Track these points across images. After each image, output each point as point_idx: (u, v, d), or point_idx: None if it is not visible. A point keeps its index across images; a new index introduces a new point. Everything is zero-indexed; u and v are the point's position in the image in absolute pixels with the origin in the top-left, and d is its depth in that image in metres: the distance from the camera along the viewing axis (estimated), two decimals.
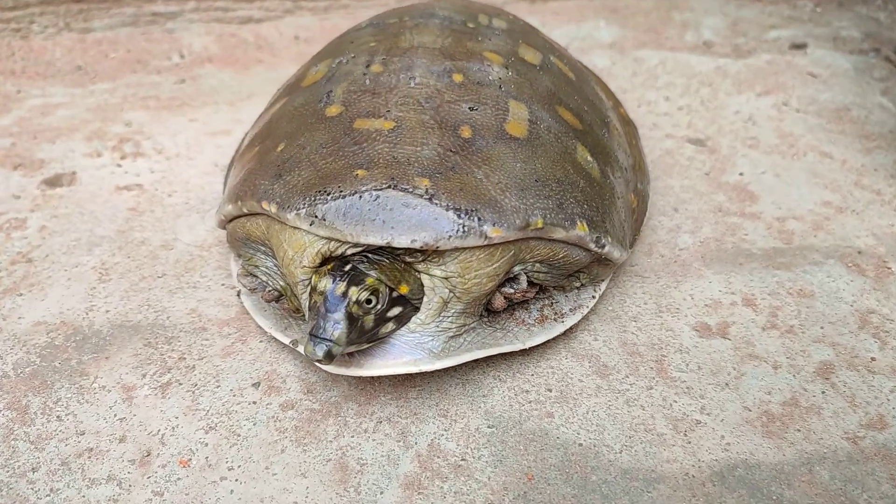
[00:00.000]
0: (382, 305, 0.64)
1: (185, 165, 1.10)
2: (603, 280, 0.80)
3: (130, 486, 0.65)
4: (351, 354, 0.67)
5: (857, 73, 1.33)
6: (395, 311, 0.66)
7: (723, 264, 0.89)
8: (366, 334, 0.64)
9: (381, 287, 0.64)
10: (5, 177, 1.06)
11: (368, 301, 0.63)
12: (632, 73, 1.31)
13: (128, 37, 1.48)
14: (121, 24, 1.51)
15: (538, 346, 0.74)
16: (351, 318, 0.62)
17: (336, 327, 0.62)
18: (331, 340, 0.61)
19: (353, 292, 0.63)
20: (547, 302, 0.77)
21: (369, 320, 0.64)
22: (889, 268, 0.89)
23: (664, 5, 1.55)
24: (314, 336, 0.62)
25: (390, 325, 0.67)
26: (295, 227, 0.68)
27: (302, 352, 0.70)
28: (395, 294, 0.65)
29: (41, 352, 0.78)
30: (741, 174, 1.05)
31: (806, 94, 1.25)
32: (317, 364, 0.68)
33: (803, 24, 1.51)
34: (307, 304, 0.68)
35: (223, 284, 0.86)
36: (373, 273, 0.65)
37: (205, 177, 1.07)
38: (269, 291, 0.76)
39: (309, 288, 0.68)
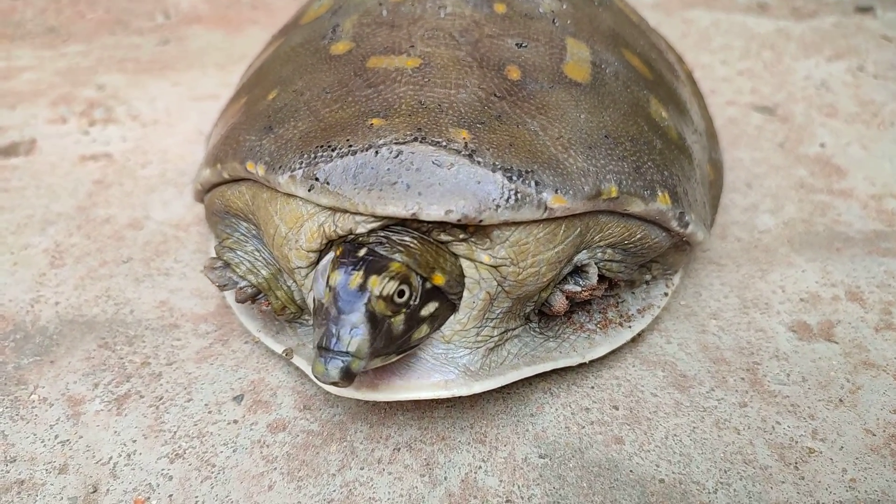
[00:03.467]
0: (416, 299, 0.48)
1: (164, 133, 0.94)
2: (676, 271, 0.64)
3: None
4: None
5: None
6: (431, 307, 0.49)
7: (816, 250, 0.73)
8: (395, 342, 0.47)
9: (410, 275, 0.47)
10: None
11: (401, 293, 0.47)
12: (681, 34, 1.15)
13: None
14: None
15: None
16: (374, 320, 0.46)
17: (355, 333, 0.45)
18: (348, 353, 0.44)
19: (374, 283, 0.46)
20: (612, 301, 0.60)
21: (398, 321, 0.47)
22: None
23: None
24: (325, 349, 0.45)
25: (424, 329, 0.50)
26: (289, 195, 0.52)
27: (306, 370, 0.54)
28: (428, 285, 0.49)
29: None
30: (822, 145, 0.89)
31: (883, 59, 1.09)
32: (327, 387, 0.52)
33: None
34: (311, 305, 0.51)
35: (202, 271, 0.70)
36: (397, 256, 0.48)
37: (186, 145, 0.91)
38: (242, 288, 0.58)
39: (312, 282, 0.51)
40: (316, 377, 0.45)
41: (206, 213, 0.65)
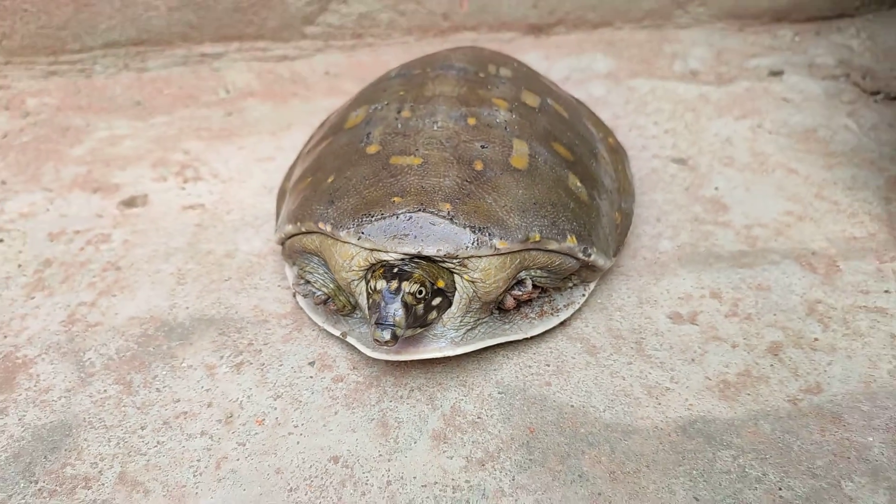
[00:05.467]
0: (429, 295, 0.79)
1: (238, 188, 1.23)
2: (592, 281, 0.97)
3: (219, 438, 0.81)
4: None
5: (826, 97, 1.44)
6: (437, 300, 0.81)
7: (695, 265, 1.03)
8: (418, 320, 0.79)
9: (425, 280, 0.79)
10: (87, 199, 1.21)
11: (420, 292, 0.77)
12: (625, 100, 1.46)
13: (179, 75, 1.60)
14: (173, 64, 1.65)
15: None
16: (406, 307, 0.73)
17: (397, 313, 0.75)
18: (394, 325, 0.75)
19: (406, 285, 0.77)
20: (546, 299, 0.93)
21: (419, 308, 0.78)
22: (838, 266, 1.03)
23: (656, 38, 1.67)
24: (379, 324, 0.75)
25: (434, 313, 0.81)
26: (345, 242, 0.85)
27: (356, 345, 0.86)
28: (435, 287, 0.80)
29: (137, 340, 0.92)
30: (716, 188, 1.20)
31: (779, 117, 1.37)
32: (378, 349, 0.82)
33: (782, 52, 1.61)
34: (365, 303, 0.83)
35: (279, 285, 1.00)
36: (416, 271, 0.79)
37: (256, 197, 1.21)
38: (318, 296, 0.90)
39: (364, 290, 0.83)
40: (375, 339, 0.72)
41: (284, 252, 0.97)
